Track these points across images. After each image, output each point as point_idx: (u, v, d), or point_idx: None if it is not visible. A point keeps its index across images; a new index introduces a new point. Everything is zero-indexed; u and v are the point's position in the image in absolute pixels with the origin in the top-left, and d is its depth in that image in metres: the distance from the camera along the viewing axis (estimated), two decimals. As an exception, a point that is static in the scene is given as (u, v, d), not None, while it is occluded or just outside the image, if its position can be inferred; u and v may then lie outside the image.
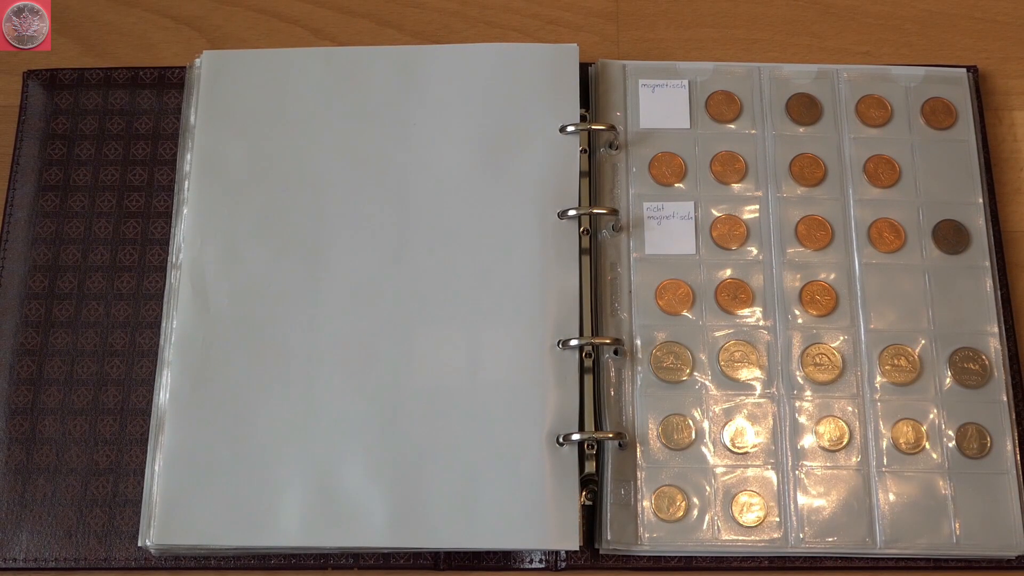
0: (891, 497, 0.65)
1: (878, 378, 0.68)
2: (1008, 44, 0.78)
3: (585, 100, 0.74)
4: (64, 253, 0.72)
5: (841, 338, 0.69)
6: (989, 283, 0.69)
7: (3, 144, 0.75)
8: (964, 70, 0.74)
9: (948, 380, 0.68)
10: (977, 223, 0.71)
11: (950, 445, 0.66)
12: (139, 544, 0.65)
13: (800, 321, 0.69)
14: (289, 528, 0.64)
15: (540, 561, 0.66)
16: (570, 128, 0.71)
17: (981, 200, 0.71)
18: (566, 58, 0.73)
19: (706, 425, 0.67)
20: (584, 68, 0.74)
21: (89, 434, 0.68)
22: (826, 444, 0.66)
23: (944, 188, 0.71)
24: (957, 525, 0.64)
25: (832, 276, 0.70)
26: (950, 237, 0.70)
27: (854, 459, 0.66)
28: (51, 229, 0.72)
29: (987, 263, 0.70)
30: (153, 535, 0.64)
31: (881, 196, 0.71)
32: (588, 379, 0.68)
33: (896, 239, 0.70)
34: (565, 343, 0.66)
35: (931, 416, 0.67)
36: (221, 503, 0.64)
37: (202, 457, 0.65)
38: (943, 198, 0.71)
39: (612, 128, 0.71)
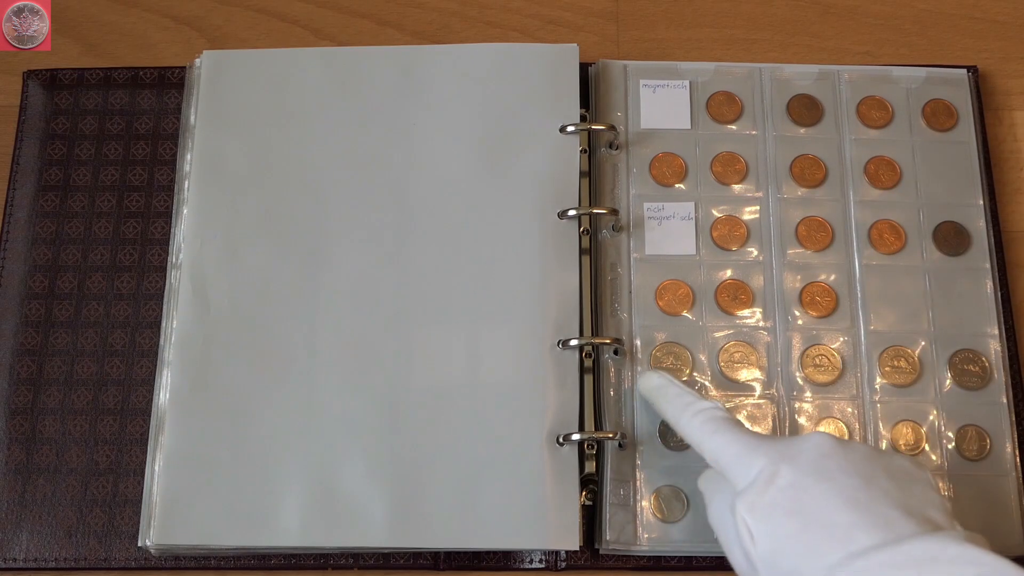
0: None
1: (878, 379, 0.68)
2: (1008, 44, 0.78)
3: (585, 100, 0.74)
4: (64, 253, 0.72)
5: (841, 339, 0.69)
6: (989, 285, 0.69)
7: (3, 144, 0.75)
8: (964, 71, 0.74)
9: (948, 382, 0.68)
10: (977, 225, 0.71)
11: (950, 447, 0.66)
12: (139, 544, 0.65)
13: (800, 322, 0.69)
14: (289, 528, 0.64)
15: (540, 561, 0.66)
16: (570, 128, 0.71)
17: (981, 202, 0.71)
18: (566, 58, 0.73)
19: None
20: (584, 68, 0.74)
21: (89, 434, 0.68)
22: None
23: (945, 190, 0.71)
24: (957, 527, 0.64)
25: (832, 277, 0.70)
26: (951, 239, 0.70)
27: None
28: (51, 229, 0.72)
29: (987, 265, 0.70)
30: (153, 535, 0.64)
31: (882, 197, 0.71)
32: (588, 379, 0.68)
33: (896, 240, 0.70)
34: (565, 343, 0.66)
35: (931, 418, 0.67)
36: (221, 503, 0.64)
37: (202, 457, 0.65)
38: (944, 200, 0.71)
39: (612, 128, 0.71)
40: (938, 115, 0.73)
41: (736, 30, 0.79)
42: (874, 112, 0.73)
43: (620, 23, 0.79)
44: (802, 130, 0.73)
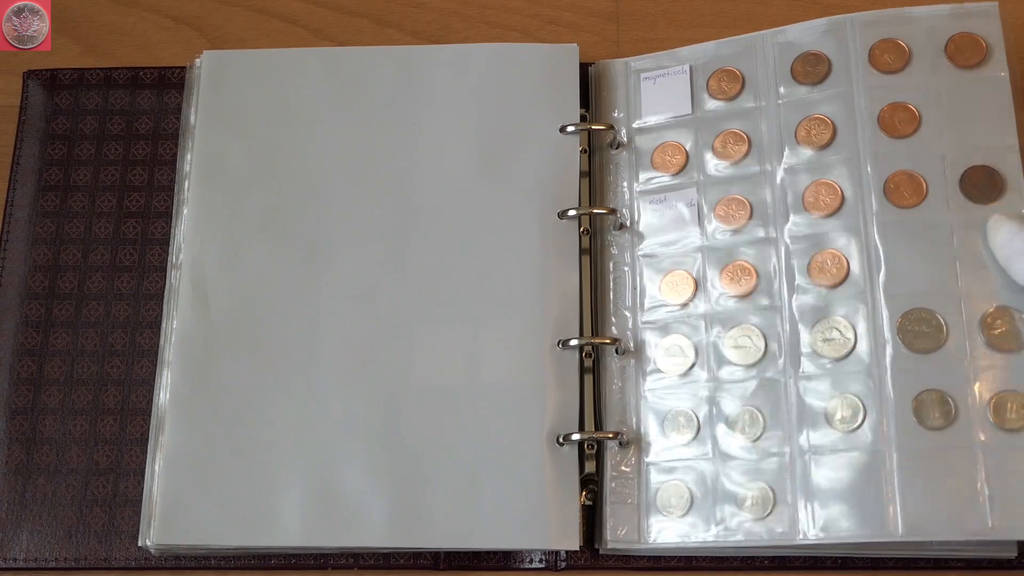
0: (913, 479, 0.60)
1: (898, 346, 0.62)
2: (1007, 44, 0.77)
3: (585, 100, 0.73)
4: (64, 253, 0.72)
5: (855, 308, 0.63)
6: None
7: (3, 144, 0.75)
8: (995, 2, 0.68)
9: (980, 344, 0.61)
10: (1012, 167, 0.63)
11: (985, 416, 0.60)
12: (139, 544, 0.65)
13: (808, 295, 0.65)
14: (289, 528, 0.64)
15: (540, 561, 0.66)
16: (570, 128, 0.71)
17: (1016, 141, 0.64)
18: (566, 58, 0.73)
19: (710, 421, 0.65)
20: (584, 68, 0.74)
21: (89, 434, 0.68)
22: (838, 425, 0.62)
23: (973, 132, 0.65)
24: (991, 506, 0.59)
25: (843, 243, 0.65)
26: (980, 183, 0.63)
27: (870, 439, 0.61)
28: (51, 229, 0.72)
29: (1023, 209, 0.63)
30: (153, 535, 0.64)
31: (898, 147, 0.65)
32: (588, 379, 0.67)
33: (916, 193, 0.64)
34: (565, 343, 0.66)
35: (961, 385, 0.61)
36: (221, 503, 0.64)
37: (202, 457, 0.65)
38: (972, 143, 0.64)
39: (612, 128, 0.71)
40: (964, 51, 0.66)
41: (736, 30, 0.78)
42: (888, 56, 0.67)
43: (620, 23, 0.79)
44: (807, 90, 0.68)
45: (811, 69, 0.68)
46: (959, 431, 0.60)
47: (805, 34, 0.69)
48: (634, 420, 0.67)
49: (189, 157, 0.72)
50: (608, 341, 0.67)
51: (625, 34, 0.78)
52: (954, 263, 0.63)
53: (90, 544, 0.66)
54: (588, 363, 0.68)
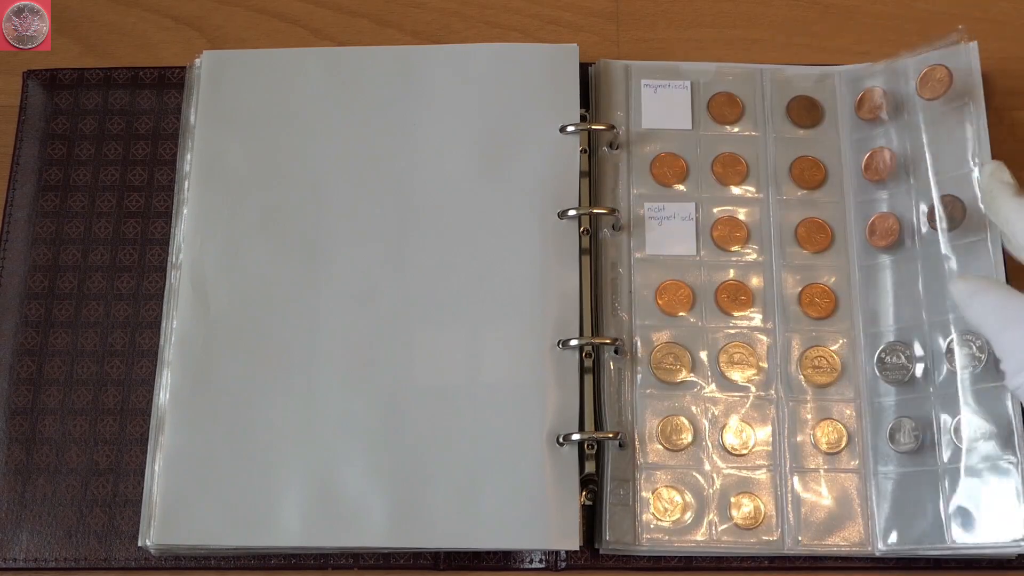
0: (890, 498, 0.65)
1: (877, 379, 0.67)
2: (1008, 44, 0.77)
3: (585, 100, 0.73)
4: (64, 253, 0.72)
5: (840, 341, 0.68)
6: (990, 256, 0.65)
7: (3, 144, 0.75)
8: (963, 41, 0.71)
9: (948, 373, 0.65)
10: (973, 193, 0.66)
11: (954, 441, 0.64)
12: (139, 544, 0.65)
13: (799, 324, 0.69)
14: (289, 528, 0.64)
15: (540, 561, 0.66)
16: (570, 128, 0.71)
17: (975, 162, 0.67)
18: (566, 58, 0.73)
19: (705, 426, 0.67)
20: (584, 68, 0.74)
21: (89, 434, 0.68)
22: (824, 447, 0.66)
23: (941, 164, 0.68)
24: (956, 524, 0.63)
25: (832, 279, 0.70)
26: (943, 214, 0.67)
27: (853, 462, 0.66)
28: (51, 229, 0.72)
29: (984, 235, 0.66)
30: (153, 535, 0.64)
31: (879, 191, 0.70)
32: (588, 379, 0.68)
33: (893, 232, 0.69)
34: (565, 343, 0.66)
35: (932, 413, 0.65)
36: (221, 503, 0.64)
37: (202, 457, 0.65)
38: (942, 173, 0.68)
39: (612, 128, 0.71)
40: (931, 84, 0.70)
41: (736, 30, 0.79)
42: (871, 104, 0.72)
43: (620, 23, 0.79)
44: (802, 132, 0.73)
45: (805, 113, 0.73)
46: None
47: (801, 78, 0.74)
48: (633, 421, 0.67)
49: (189, 157, 0.72)
50: (608, 341, 0.67)
51: (625, 34, 0.78)
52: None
53: (90, 544, 0.66)
54: (588, 363, 0.68)
